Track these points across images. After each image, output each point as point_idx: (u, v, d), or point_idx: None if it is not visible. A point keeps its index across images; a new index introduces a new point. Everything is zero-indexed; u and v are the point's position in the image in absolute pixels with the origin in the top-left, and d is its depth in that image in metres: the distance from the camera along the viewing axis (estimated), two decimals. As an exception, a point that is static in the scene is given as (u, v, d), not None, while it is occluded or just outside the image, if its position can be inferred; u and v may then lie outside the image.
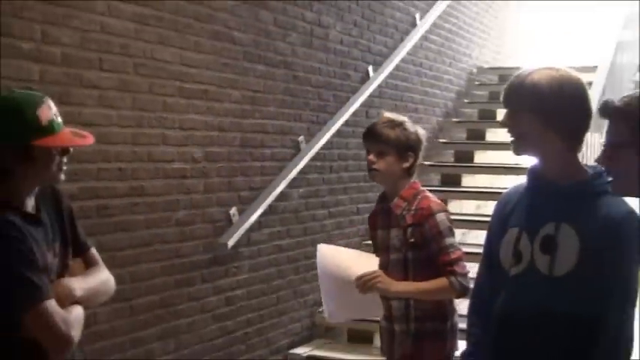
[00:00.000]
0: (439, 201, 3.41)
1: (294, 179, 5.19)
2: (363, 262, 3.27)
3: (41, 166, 2.32)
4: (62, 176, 2.40)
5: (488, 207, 8.06)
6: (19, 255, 2.22)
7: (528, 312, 2.43)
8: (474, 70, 8.49)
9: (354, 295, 3.20)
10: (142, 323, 4.06)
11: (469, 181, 7.30)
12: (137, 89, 3.97)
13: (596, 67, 6.08)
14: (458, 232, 6.70)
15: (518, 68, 7.72)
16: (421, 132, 3.42)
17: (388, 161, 3.30)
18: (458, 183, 7.15)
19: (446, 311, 3.35)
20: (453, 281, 3.23)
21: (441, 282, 3.25)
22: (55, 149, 2.33)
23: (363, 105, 6.05)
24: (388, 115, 3.47)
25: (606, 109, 2.17)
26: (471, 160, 7.42)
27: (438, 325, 3.34)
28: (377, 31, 6.41)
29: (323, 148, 5.54)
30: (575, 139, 2.40)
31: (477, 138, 7.73)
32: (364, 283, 3.18)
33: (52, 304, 2.24)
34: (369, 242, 5.48)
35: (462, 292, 3.25)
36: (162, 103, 4.13)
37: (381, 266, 3.26)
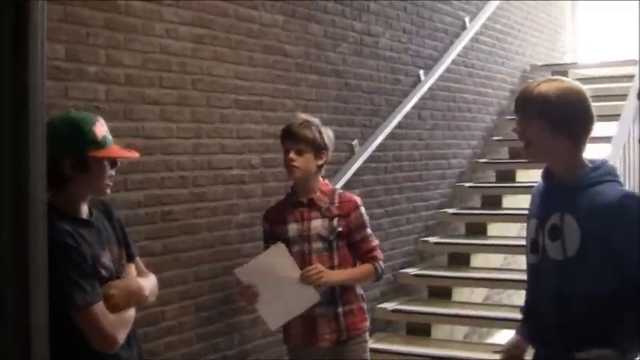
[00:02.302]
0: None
1: (349, 181, 5.46)
2: (278, 259, 3.66)
3: (95, 177, 2.68)
4: (109, 189, 2.77)
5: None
6: (73, 262, 2.53)
7: (546, 298, 2.68)
8: (528, 68, 8.62)
9: (289, 294, 3.60)
10: (207, 319, 4.38)
11: (523, 176, 7.45)
12: (195, 103, 4.30)
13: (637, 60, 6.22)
14: (516, 226, 6.82)
15: (572, 64, 7.93)
16: (330, 134, 3.88)
17: (306, 158, 3.76)
18: (512, 179, 7.32)
19: (359, 292, 3.80)
20: (376, 266, 3.77)
21: (366, 267, 3.77)
22: (106, 161, 2.69)
23: (414, 107, 6.29)
24: (303, 116, 3.91)
25: None
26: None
27: (358, 304, 3.78)
28: (426, 36, 6.64)
29: (376, 150, 5.80)
30: (580, 142, 2.66)
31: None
32: (308, 279, 3.60)
33: (100, 307, 2.57)
34: (425, 239, 5.87)
35: (381, 276, 3.84)
36: (219, 115, 4.45)
37: (299, 255, 3.70)
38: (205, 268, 4.36)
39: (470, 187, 6.97)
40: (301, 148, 3.76)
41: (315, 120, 3.90)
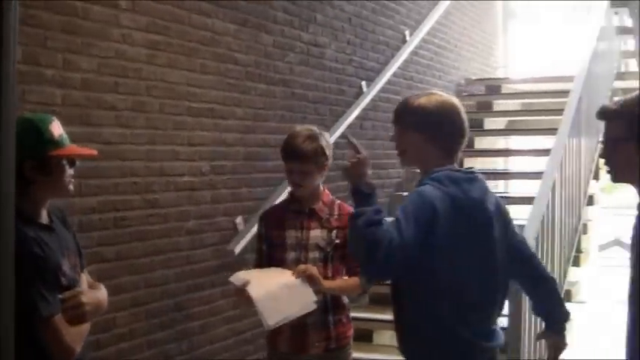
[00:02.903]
0: None
1: (294, 190, 5.50)
2: (276, 271, 3.60)
3: (56, 177, 2.63)
4: (71, 187, 2.72)
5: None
6: (39, 272, 2.48)
7: None
8: (462, 82, 8.83)
9: (289, 295, 3.49)
10: (158, 326, 4.37)
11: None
12: (150, 109, 4.30)
13: (573, 76, 6.43)
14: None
15: (504, 79, 8.17)
16: (328, 138, 3.82)
17: (311, 176, 3.64)
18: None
19: (346, 302, 3.76)
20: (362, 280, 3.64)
21: (354, 280, 3.63)
22: (65, 160, 2.66)
23: (357, 118, 6.39)
24: (300, 130, 3.73)
25: (604, 112, 2.54)
26: (461, 166, 7.71)
27: (346, 313, 3.75)
28: (369, 49, 6.76)
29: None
30: (451, 153, 2.78)
31: (466, 146, 8.03)
32: (303, 272, 3.47)
33: (60, 318, 2.52)
34: None
35: (367, 290, 3.99)
36: (172, 122, 4.46)
37: (295, 263, 3.59)
38: (157, 274, 4.36)
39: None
40: (306, 168, 3.63)
41: (315, 130, 3.73)
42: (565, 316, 3.12)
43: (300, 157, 3.62)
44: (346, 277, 3.70)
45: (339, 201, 3.82)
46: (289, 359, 3.73)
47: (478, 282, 2.69)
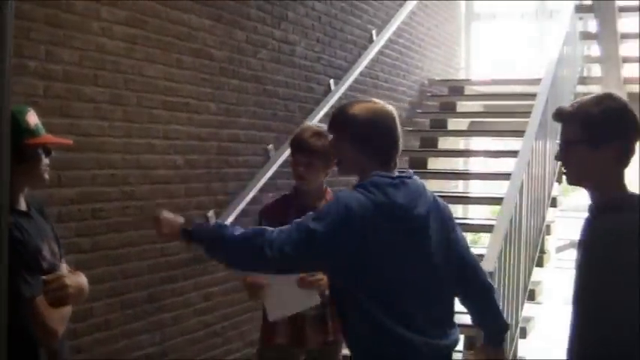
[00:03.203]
0: None
1: (264, 185, 5.59)
2: None
3: (32, 166, 2.70)
4: (47, 176, 2.79)
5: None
6: (19, 255, 2.54)
7: None
8: (426, 82, 8.97)
9: (292, 292, 3.52)
10: (132, 317, 4.42)
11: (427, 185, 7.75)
12: (127, 102, 4.35)
13: (540, 79, 6.60)
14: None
15: (466, 80, 8.31)
16: None
17: (317, 170, 3.70)
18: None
19: None
20: None
21: None
22: (41, 150, 2.73)
23: (325, 115, 6.47)
24: (311, 125, 3.87)
25: (560, 114, 2.57)
26: (425, 166, 7.86)
27: None
28: (337, 47, 6.86)
29: (290, 155, 5.94)
30: (386, 160, 2.77)
31: (429, 146, 8.20)
32: (310, 284, 3.49)
33: (42, 300, 2.58)
34: None
35: None
36: (148, 115, 4.51)
37: None
38: (132, 265, 4.41)
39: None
40: (312, 161, 3.68)
41: (323, 127, 3.66)
42: (505, 327, 3.13)
43: (307, 150, 3.67)
44: None
45: None
46: (287, 352, 3.77)
47: (409, 286, 2.69)
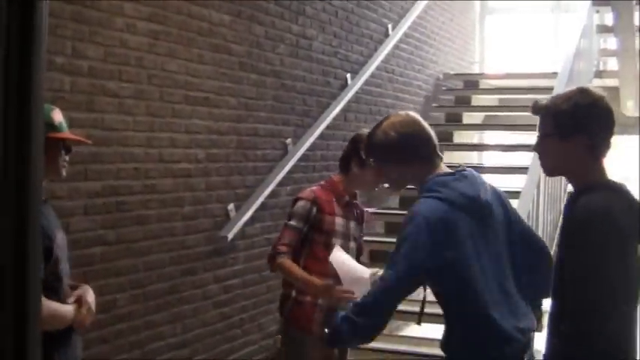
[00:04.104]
0: None
1: (282, 178, 5.65)
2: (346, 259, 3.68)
3: (51, 158, 2.79)
4: (64, 172, 2.91)
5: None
6: None
7: None
8: (441, 76, 9.01)
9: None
10: (154, 308, 4.50)
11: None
12: (150, 97, 4.41)
13: (556, 73, 6.63)
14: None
15: (481, 74, 8.33)
16: None
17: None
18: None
19: None
20: None
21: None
22: (61, 144, 2.85)
23: (342, 110, 6.54)
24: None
25: (534, 108, 2.66)
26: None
27: None
28: (354, 41, 6.90)
29: (307, 149, 6.01)
30: (431, 160, 2.85)
31: (444, 140, 8.21)
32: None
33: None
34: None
35: None
36: (171, 110, 4.58)
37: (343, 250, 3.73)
38: (154, 258, 4.48)
39: (388, 187, 7.23)
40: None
41: None
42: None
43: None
44: None
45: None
46: (316, 340, 3.77)
47: (490, 275, 2.76)
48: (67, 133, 2.91)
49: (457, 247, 2.70)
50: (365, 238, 6.58)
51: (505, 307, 2.76)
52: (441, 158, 2.89)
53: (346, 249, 3.78)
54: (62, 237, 2.88)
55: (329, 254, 3.63)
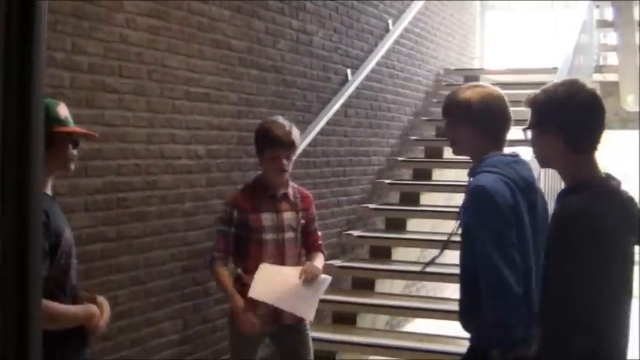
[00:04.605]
0: None
1: (283, 174, 5.62)
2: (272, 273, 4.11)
3: (58, 152, 2.83)
4: (72, 166, 2.94)
5: (456, 199, 8.59)
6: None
7: None
8: (441, 72, 9.00)
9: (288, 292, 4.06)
10: (155, 305, 4.48)
11: (438, 175, 7.80)
12: (150, 93, 4.39)
13: (556, 68, 6.61)
14: (430, 221, 7.28)
15: (481, 70, 8.33)
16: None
17: (292, 162, 4.23)
18: (429, 177, 7.65)
19: None
20: (324, 254, 4.38)
21: (321, 257, 4.33)
22: (68, 139, 2.87)
23: (342, 105, 6.52)
24: (280, 119, 4.25)
25: (525, 101, 2.71)
26: (440, 155, 7.90)
27: None
28: (354, 37, 6.89)
29: (308, 145, 5.99)
30: (498, 140, 3.00)
31: (444, 135, 8.21)
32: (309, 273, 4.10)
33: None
34: (349, 232, 6.25)
35: None
36: (171, 106, 4.56)
37: (274, 244, 4.12)
38: (154, 254, 4.47)
39: (389, 183, 7.25)
40: (290, 154, 4.16)
41: (288, 121, 4.24)
42: None
43: (291, 145, 4.12)
44: (318, 257, 4.28)
45: (296, 185, 4.36)
46: (264, 331, 4.17)
47: (533, 262, 2.84)
48: (73, 127, 2.92)
49: (521, 226, 2.79)
50: (364, 234, 6.68)
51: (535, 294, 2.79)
52: (505, 144, 3.02)
53: (280, 241, 4.13)
54: (69, 233, 2.89)
55: (264, 251, 4.09)
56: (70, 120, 2.91)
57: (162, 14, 4.47)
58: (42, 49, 2.26)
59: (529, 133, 2.67)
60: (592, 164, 2.58)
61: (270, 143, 4.10)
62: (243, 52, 5.24)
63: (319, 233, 4.42)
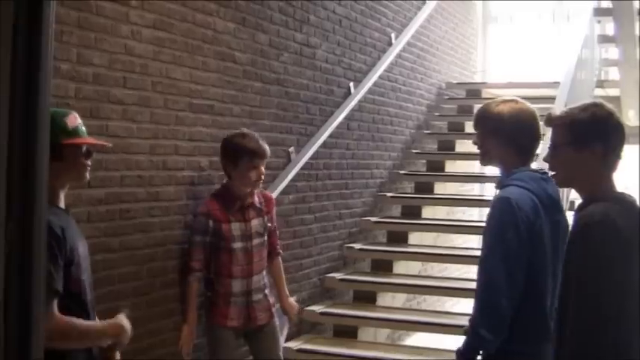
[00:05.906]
0: None
1: (285, 187, 5.65)
2: None
3: (69, 164, 2.79)
4: (87, 175, 2.91)
5: (458, 212, 8.60)
6: (52, 251, 2.59)
7: None
8: (443, 86, 9.02)
9: None
10: (157, 315, 4.49)
11: (440, 188, 7.81)
12: (154, 105, 4.41)
13: (558, 82, 6.64)
14: (432, 235, 7.28)
15: (483, 83, 8.35)
16: None
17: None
18: (430, 191, 7.65)
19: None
20: (281, 259, 4.82)
21: (280, 263, 4.81)
22: (80, 150, 2.83)
23: (345, 118, 6.54)
24: (249, 131, 4.57)
25: (549, 119, 2.75)
26: (442, 169, 7.92)
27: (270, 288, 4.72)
28: (357, 50, 6.91)
29: (310, 158, 6.01)
30: (527, 155, 3.08)
31: (447, 149, 8.25)
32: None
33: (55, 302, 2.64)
34: (350, 245, 6.31)
35: None
36: (175, 117, 4.57)
37: (243, 251, 4.40)
38: (157, 265, 4.47)
39: (391, 196, 7.26)
40: (264, 166, 4.46)
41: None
42: None
43: (265, 155, 4.46)
44: (277, 265, 4.79)
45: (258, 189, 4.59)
46: (236, 332, 4.50)
47: (547, 277, 2.91)
48: (83, 139, 2.87)
49: (536, 237, 2.86)
50: (366, 247, 6.67)
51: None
52: (533, 160, 3.11)
53: (249, 249, 4.43)
54: (84, 245, 2.86)
55: (233, 258, 4.38)
56: (82, 129, 2.85)
57: (167, 26, 4.49)
58: (48, 61, 2.28)
59: (550, 152, 2.71)
60: (612, 181, 2.67)
61: (248, 154, 4.35)
62: (246, 64, 5.26)
63: (277, 232, 4.78)
